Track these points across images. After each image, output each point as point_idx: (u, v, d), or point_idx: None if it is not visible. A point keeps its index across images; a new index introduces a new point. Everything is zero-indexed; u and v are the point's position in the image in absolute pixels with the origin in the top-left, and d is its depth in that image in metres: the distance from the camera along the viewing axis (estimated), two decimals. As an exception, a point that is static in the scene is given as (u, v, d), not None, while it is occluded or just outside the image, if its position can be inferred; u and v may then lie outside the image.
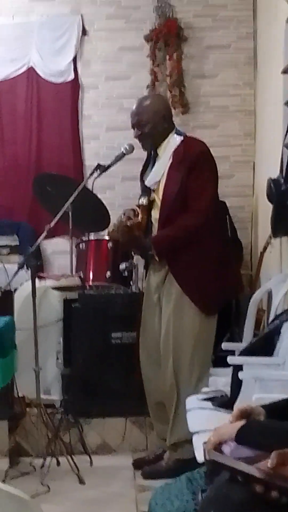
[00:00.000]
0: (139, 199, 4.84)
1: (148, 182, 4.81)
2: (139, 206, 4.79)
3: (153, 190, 4.78)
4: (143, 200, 4.80)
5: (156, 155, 4.80)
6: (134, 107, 4.82)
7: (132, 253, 5.56)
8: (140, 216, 4.78)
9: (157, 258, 4.71)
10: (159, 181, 4.72)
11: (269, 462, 1.97)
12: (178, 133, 4.78)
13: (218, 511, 2.04)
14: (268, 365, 3.88)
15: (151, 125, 4.71)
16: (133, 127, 4.80)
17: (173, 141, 4.72)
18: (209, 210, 4.61)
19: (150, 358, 4.85)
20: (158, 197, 4.74)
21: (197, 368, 4.65)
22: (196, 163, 4.60)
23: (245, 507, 1.99)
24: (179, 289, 4.64)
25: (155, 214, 4.76)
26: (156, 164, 4.79)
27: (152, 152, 4.84)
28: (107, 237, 5.80)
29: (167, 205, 4.66)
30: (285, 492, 1.95)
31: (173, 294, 4.66)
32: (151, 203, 4.80)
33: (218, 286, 4.67)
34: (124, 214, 4.83)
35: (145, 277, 5.06)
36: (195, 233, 4.62)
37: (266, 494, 1.96)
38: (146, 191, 4.84)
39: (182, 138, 4.73)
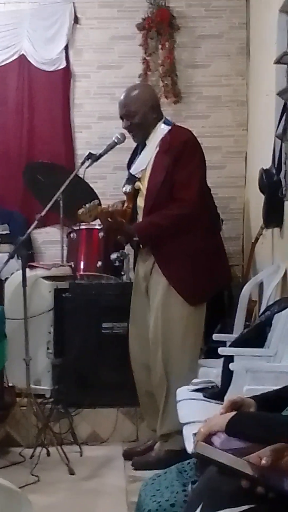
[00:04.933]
0: (123, 187, 4.83)
1: (134, 170, 4.80)
2: (125, 193, 4.79)
3: (138, 179, 4.77)
4: (127, 188, 4.79)
5: (144, 144, 4.78)
6: (122, 97, 4.79)
7: (123, 243, 5.55)
8: (126, 204, 4.79)
9: (141, 245, 4.71)
10: (145, 169, 4.71)
11: (263, 459, 1.96)
12: (166, 122, 4.77)
13: (207, 503, 2.04)
14: (259, 356, 3.89)
15: (140, 116, 4.70)
16: (121, 118, 4.78)
17: (160, 130, 4.71)
18: (196, 200, 4.57)
19: (140, 348, 4.84)
20: (143, 185, 4.73)
21: (187, 359, 4.64)
22: (182, 152, 4.58)
23: (233, 500, 1.98)
24: (165, 280, 4.63)
25: (140, 202, 4.76)
26: (142, 152, 4.78)
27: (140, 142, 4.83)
28: (98, 227, 5.79)
29: (152, 194, 4.65)
30: (270, 488, 1.94)
31: (160, 285, 4.65)
32: (136, 191, 4.78)
33: (205, 276, 4.64)
34: (113, 204, 4.84)
35: (134, 266, 5.04)
36: (181, 223, 4.60)
37: (252, 489, 1.95)
38: (132, 179, 4.82)
39: (169, 127, 4.72)
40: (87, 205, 4.59)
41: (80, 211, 4.59)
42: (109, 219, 4.68)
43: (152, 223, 4.68)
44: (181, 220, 4.60)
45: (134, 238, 4.71)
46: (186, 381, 4.24)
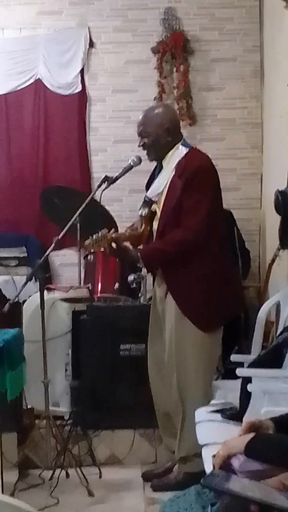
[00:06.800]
0: (139, 209, 4.83)
1: (150, 193, 4.77)
2: (141, 216, 4.80)
3: (156, 202, 4.78)
4: (143, 211, 4.79)
5: (161, 166, 4.77)
6: (141, 116, 4.82)
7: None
8: (142, 227, 4.79)
9: (145, 270, 4.72)
10: (161, 192, 4.69)
11: None
12: (185, 145, 4.73)
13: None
14: (277, 377, 3.88)
15: (153, 138, 4.67)
16: (138, 135, 4.81)
17: (178, 153, 4.66)
18: (201, 227, 4.50)
19: (158, 370, 4.83)
20: (159, 208, 4.71)
21: (202, 383, 4.61)
22: (192, 179, 4.52)
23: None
24: (178, 306, 4.62)
25: (155, 225, 4.74)
26: (159, 175, 4.76)
27: (157, 164, 4.83)
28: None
29: (165, 218, 4.63)
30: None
31: (173, 310, 4.62)
32: (153, 214, 4.80)
33: (217, 305, 4.59)
34: (133, 224, 4.85)
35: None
36: (184, 249, 4.56)
37: None
38: (148, 202, 4.84)
39: (187, 150, 4.67)
40: (94, 236, 4.59)
41: (87, 242, 4.60)
42: (113, 245, 4.68)
43: (155, 249, 4.68)
44: (183, 246, 4.55)
45: (139, 265, 4.73)
46: (201, 405, 4.22)
